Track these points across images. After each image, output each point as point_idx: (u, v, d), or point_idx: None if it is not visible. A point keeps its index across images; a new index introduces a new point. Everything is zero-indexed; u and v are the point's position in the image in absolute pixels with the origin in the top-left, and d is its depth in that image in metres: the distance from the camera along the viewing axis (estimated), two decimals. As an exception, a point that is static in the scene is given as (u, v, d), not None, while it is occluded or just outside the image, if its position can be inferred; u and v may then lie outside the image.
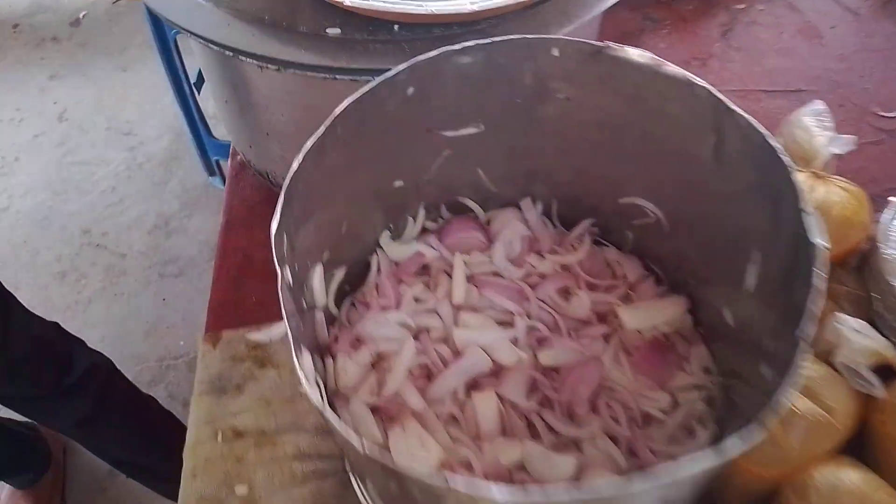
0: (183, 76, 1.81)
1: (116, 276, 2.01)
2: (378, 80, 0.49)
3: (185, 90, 1.83)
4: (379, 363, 0.58)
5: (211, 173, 2.13)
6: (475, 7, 0.57)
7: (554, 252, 0.65)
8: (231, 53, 0.57)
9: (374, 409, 0.56)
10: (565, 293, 0.64)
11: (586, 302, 0.62)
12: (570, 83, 0.54)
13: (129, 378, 1.39)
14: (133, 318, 1.92)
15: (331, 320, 0.60)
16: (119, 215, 2.13)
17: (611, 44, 0.50)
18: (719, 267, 0.55)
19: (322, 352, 0.58)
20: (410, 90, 0.52)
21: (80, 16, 2.72)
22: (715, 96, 0.47)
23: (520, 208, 0.67)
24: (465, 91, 0.54)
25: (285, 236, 0.45)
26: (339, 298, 0.61)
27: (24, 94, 2.46)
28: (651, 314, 0.61)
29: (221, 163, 2.06)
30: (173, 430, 1.42)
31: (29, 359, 1.14)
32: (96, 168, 2.24)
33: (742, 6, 1.05)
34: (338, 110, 0.47)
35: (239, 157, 0.85)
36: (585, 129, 0.57)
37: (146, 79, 2.46)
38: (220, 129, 1.94)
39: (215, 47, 0.57)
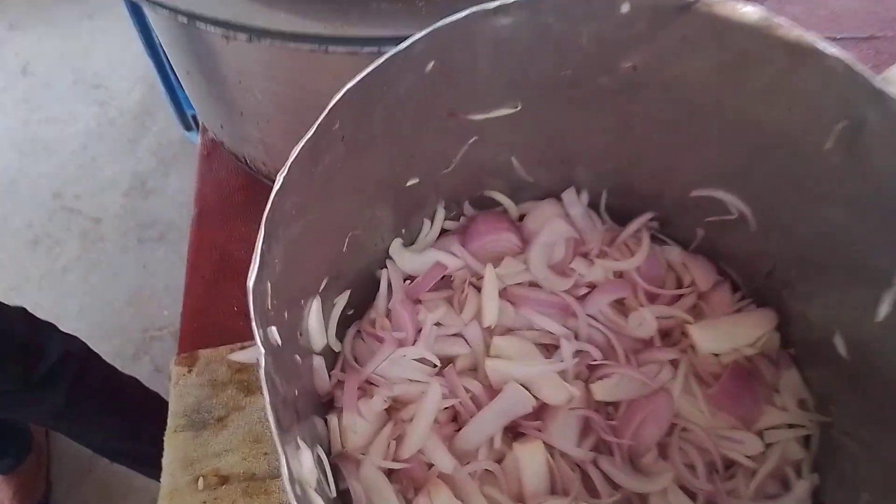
0: (152, 24, 1.64)
1: (92, 242, 1.87)
2: (387, 55, 0.35)
3: (154, 40, 1.66)
4: (395, 411, 0.46)
5: (188, 127, 1.97)
6: (510, -53, 0.43)
7: (605, 255, 0.53)
8: (185, 19, 0.42)
9: (391, 472, 0.44)
10: (621, 307, 0.52)
11: (649, 318, 0.50)
12: (639, 49, 0.40)
13: (111, 351, 1.29)
14: (112, 287, 1.79)
15: (332, 357, 0.47)
16: (92, 176, 1.98)
17: (704, -4, 0.37)
18: (833, 284, 0.43)
19: (322, 403, 0.46)
20: (430, 65, 0.38)
21: (40, -42, 2.51)
22: (856, 72, 0.34)
23: (560, 200, 0.54)
24: (501, 62, 0.40)
25: (269, 285, 0.32)
26: (341, 326, 0.48)
27: (-19, 47, 2.28)
28: (730, 332, 0.50)
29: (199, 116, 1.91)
30: (157, 413, 1.31)
31: (-8, 353, 1.02)
32: (65, 125, 2.08)
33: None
34: (333, 101, 0.34)
35: (210, 134, 0.71)
36: (653, 105, 0.44)
37: (114, 25, 2.27)
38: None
39: (165, 11, 0.42)
